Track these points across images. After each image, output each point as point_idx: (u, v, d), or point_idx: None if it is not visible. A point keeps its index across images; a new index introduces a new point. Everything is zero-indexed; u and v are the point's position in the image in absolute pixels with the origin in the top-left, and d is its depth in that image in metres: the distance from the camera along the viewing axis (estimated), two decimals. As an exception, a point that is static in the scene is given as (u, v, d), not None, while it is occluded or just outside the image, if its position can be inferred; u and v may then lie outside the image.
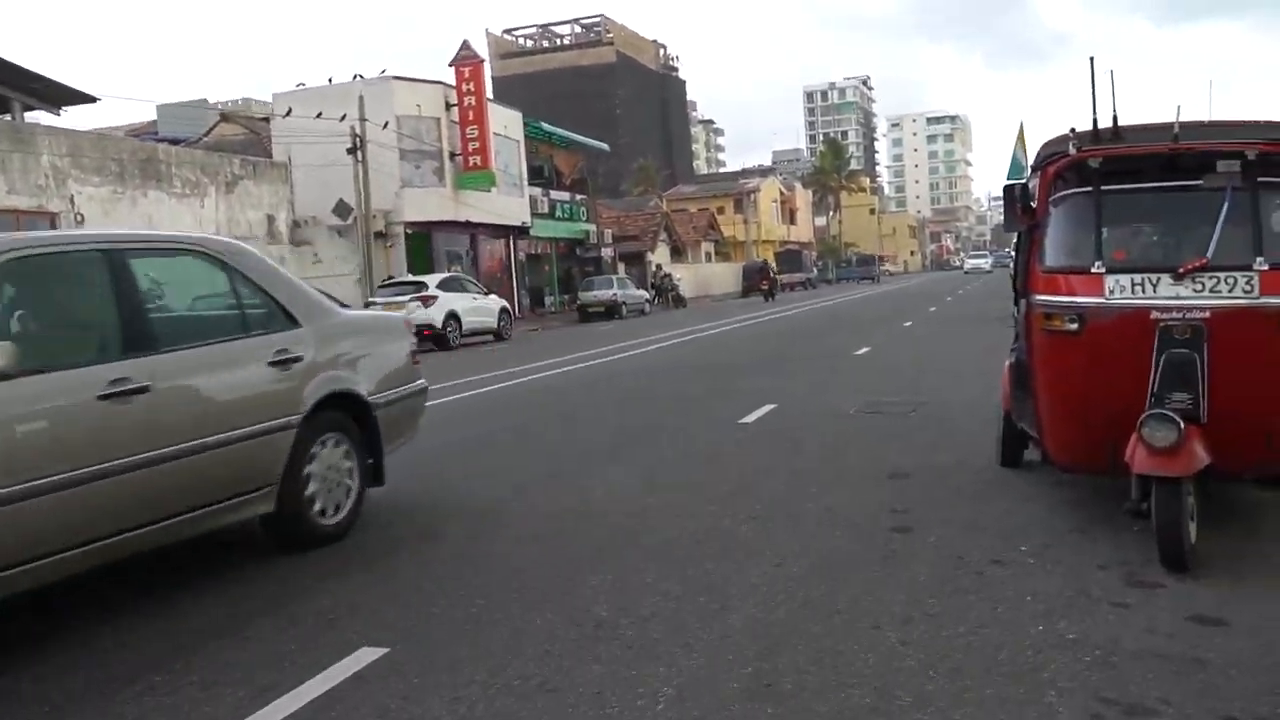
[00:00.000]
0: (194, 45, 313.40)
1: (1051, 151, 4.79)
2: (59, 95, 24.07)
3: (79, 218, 21.79)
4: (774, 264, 59.17)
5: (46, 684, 3.50)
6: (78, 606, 4.38)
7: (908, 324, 20.09)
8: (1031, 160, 5.37)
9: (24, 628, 4.14)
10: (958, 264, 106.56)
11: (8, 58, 22.08)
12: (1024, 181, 5.16)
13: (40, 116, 24.92)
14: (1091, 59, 4.63)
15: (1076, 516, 4.95)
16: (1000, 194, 5.18)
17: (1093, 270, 4.45)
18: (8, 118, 22.92)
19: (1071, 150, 4.59)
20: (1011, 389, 5.65)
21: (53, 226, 21.41)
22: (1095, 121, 4.59)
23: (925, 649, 3.39)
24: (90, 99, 24.41)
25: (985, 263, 70.81)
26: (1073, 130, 4.60)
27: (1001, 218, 5.48)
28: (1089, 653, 3.29)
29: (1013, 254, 6.64)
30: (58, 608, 4.38)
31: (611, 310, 34.13)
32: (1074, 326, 4.47)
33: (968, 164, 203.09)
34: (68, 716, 3.23)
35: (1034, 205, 4.86)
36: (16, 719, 3.24)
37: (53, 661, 3.72)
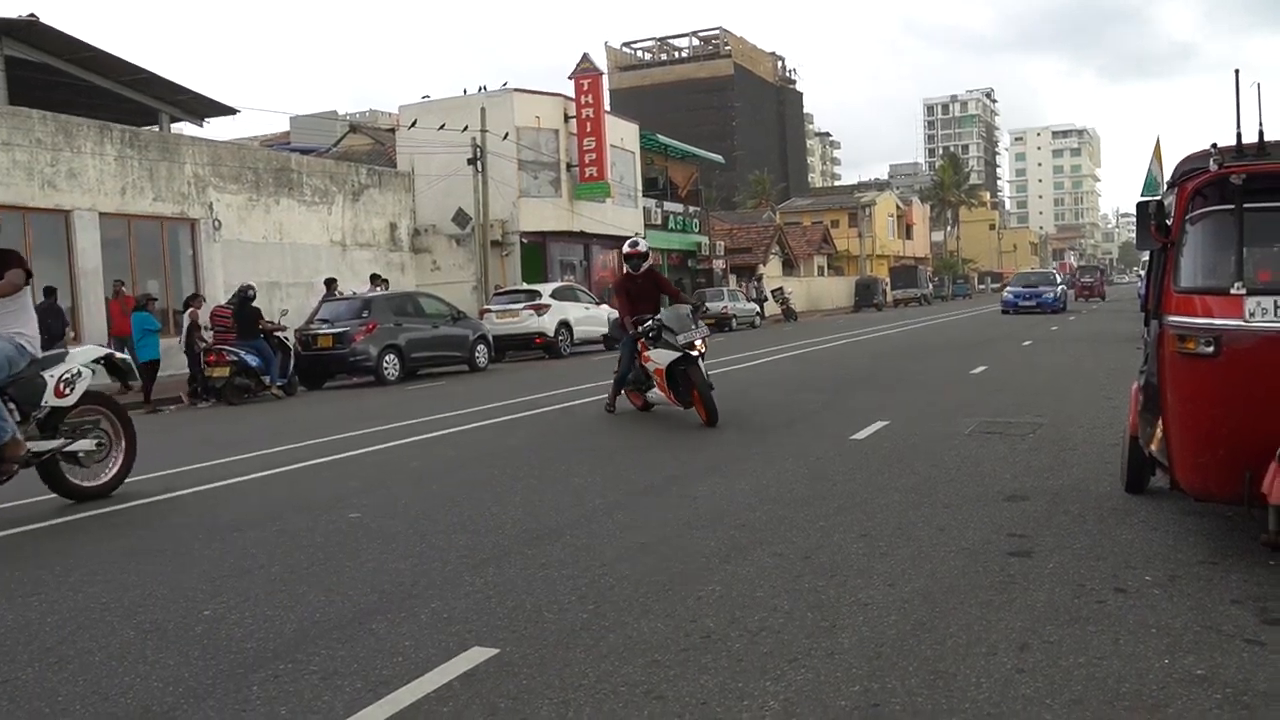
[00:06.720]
0: (326, 59, 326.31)
1: (1190, 168, 4.61)
2: (202, 107, 25.41)
3: (217, 224, 22.89)
4: (888, 279, 58.38)
5: (180, 668, 3.69)
6: (210, 597, 4.61)
7: (1026, 343, 19.49)
8: (1168, 176, 5.18)
9: (158, 617, 4.38)
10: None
11: (157, 71, 23.39)
12: (1159, 199, 4.98)
13: (184, 127, 26.29)
14: (1237, 72, 4.45)
15: (1206, 547, 4.73)
16: (1132, 210, 5.03)
17: (1232, 291, 4.26)
18: (156, 129, 24.24)
19: (1212, 166, 4.40)
20: (1139, 413, 5.44)
21: (193, 233, 22.57)
22: (1239, 136, 4.39)
23: (1042, 677, 3.29)
24: (231, 111, 25.69)
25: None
26: (1214, 145, 4.42)
27: (1132, 235, 5.32)
28: (1219, 690, 3.14)
29: (1142, 274, 6.41)
30: (193, 598, 4.62)
31: (722, 323, 34.09)
32: (1210, 349, 4.29)
33: (1095, 179, 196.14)
34: (201, 699, 3.39)
35: (1169, 223, 4.68)
36: (154, 697, 3.42)
37: (184, 647, 3.92)
